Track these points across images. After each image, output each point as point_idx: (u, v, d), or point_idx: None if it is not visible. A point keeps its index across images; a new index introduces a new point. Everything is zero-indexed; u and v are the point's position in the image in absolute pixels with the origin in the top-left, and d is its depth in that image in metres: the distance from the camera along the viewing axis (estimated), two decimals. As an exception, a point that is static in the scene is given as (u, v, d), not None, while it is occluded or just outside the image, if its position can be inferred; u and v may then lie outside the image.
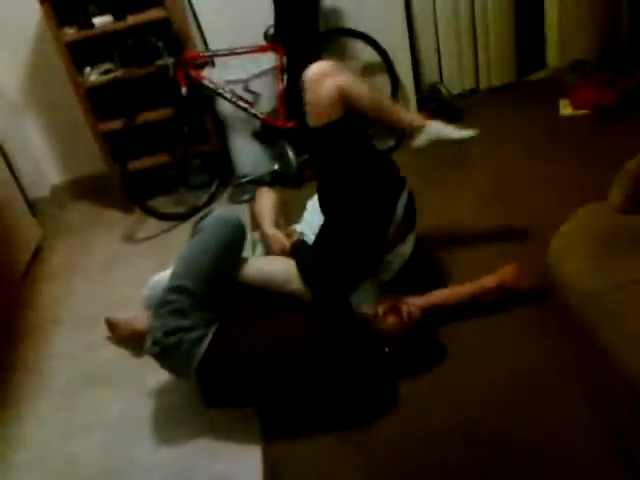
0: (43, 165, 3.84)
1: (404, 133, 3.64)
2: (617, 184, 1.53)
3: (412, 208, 2.34)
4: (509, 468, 1.68)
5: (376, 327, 2.02)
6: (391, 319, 2.00)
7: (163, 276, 2.18)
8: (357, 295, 2.11)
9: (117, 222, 3.54)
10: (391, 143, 3.60)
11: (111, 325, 2.55)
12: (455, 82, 3.95)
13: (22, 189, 3.52)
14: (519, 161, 3.23)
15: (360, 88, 2.22)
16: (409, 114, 2.51)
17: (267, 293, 2.11)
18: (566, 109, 3.57)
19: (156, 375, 2.28)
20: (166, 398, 2.26)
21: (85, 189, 3.87)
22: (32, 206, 3.57)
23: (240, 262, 2.11)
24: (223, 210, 2.20)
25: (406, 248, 2.35)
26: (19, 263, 3.12)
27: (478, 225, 2.82)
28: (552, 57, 3.96)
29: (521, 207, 2.85)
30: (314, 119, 2.23)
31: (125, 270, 3.09)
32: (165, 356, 1.98)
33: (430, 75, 3.94)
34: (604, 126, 3.35)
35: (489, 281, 2.20)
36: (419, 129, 2.33)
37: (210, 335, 1.96)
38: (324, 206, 2.32)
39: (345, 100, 2.17)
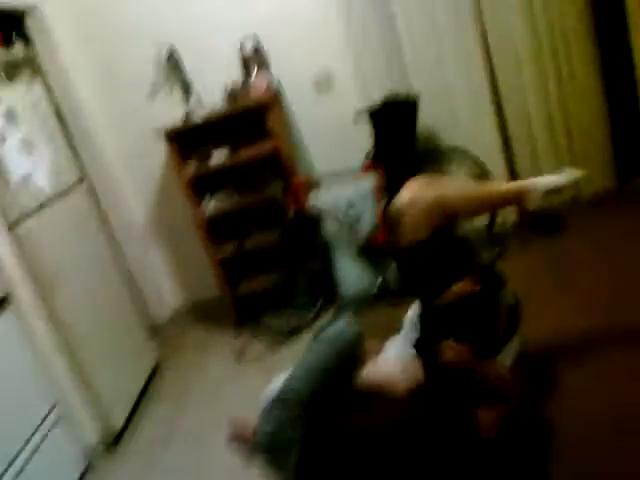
0: (165, 290, 4.11)
1: (505, 246, 3.66)
2: None
3: (516, 307, 2.31)
4: None
5: None
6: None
7: (277, 382, 2.24)
8: None
9: (229, 343, 3.66)
10: (494, 254, 3.59)
11: (233, 426, 2.59)
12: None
13: (145, 312, 3.76)
14: (627, 270, 3.08)
15: (455, 195, 2.23)
16: (508, 185, 2.50)
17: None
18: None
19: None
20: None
21: (201, 311, 4.09)
22: (154, 328, 3.77)
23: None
24: (343, 323, 2.26)
25: (512, 348, 2.29)
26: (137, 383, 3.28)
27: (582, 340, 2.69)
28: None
29: (630, 320, 2.71)
30: (408, 237, 2.24)
31: (235, 388, 3.15)
32: (269, 451, 2.02)
33: (530, 186, 3.95)
34: None
35: None
36: (527, 192, 2.30)
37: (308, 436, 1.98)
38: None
39: (443, 210, 2.19)
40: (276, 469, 2.11)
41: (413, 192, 2.22)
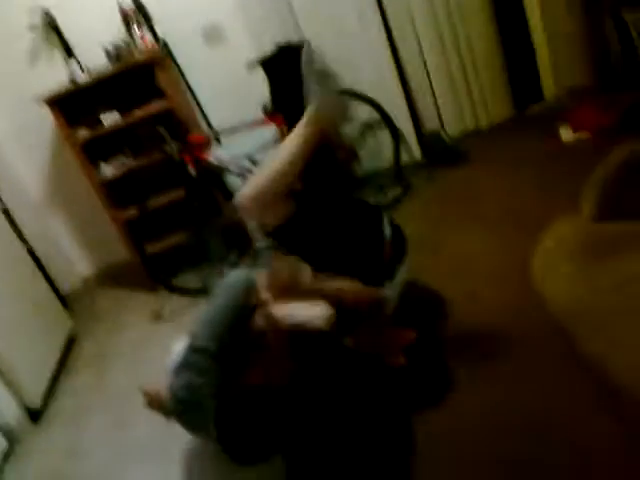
0: (72, 259, 4.04)
1: (410, 183, 3.76)
2: (586, 195, 1.55)
3: (399, 235, 2.40)
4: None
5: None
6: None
7: (183, 344, 2.28)
8: None
9: (145, 304, 3.66)
10: (399, 192, 3.69)
11: (146, 394, 2.63)
12: (456, 125, 4.04)
13: (54, 285, 3.70)
14: (526, 192, 3.25)
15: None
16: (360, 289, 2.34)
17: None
18: (567, 134, 3.60)
19: (184, 446, 2.35)
20: (196, 467, 2.30)
21: (113, 276, 4.05)
22: (64, 299, 3.73)
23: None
24: (235, 273, 2.31)
25: (400, 278, 2.40)
26: (52, 355, 3.25)
27: (492, 257, 2.84)
28: (547, 87, 4.02)
29: (531, 235, 2.86)
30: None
31: (155, 349, 3.17)
32: (185, 413, 2.05)
33: (430, 122, 4.03)
34: (606, 147, 3.35)
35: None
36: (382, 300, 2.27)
37: (222, 387, 2.03)
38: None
39: None
40: (195, 429, 2.18)
41: None
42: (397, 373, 2.04)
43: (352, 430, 1.99)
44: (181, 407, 2.06)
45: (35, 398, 2.96)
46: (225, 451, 2.10)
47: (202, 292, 3.48)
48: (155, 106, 3.40)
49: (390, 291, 2.36)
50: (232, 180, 3.59)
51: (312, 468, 2.05)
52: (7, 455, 2.75)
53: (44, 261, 3.74)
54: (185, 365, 2.10)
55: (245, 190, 2.32)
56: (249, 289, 2.23)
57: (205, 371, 2.07)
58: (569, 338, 1.44)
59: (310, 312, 2.20)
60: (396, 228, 2.42)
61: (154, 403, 2.48)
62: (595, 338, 1.32)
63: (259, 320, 2.24)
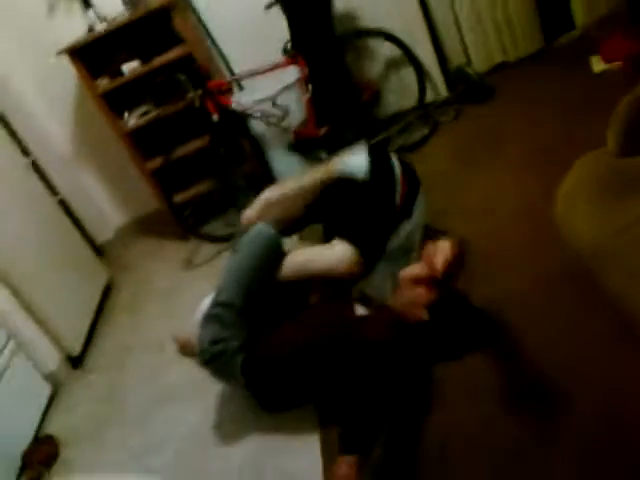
0: (104, 209, 4.11)
1: (437, 122, 3.69)
2: (611, 128, 1.51)
3: (409, 170, 2.39)
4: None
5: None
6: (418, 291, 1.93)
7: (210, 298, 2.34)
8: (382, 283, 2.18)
9: (177, 252, 3.73)
10: (425, 131, 3.63)
11: (177, 342, 2.72)
12: (482, 59, 3.91)
13: (87, 235, 3.78)
14: (556, 127, 3.16)
15: None
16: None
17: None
18: (599, 65, 3.47)
19: (218, 388, 2.43)
20: (229, 408, 2.39)
21: (145, 226, 4.13)
22: (99, 249, 3.82)
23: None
24: (259, 225, 2.32)
25: (418, 217, 2.39)
26: (90, 304, 3.36)
27: (517, 196, 2.80)
28: (578, 17, 3.86)
29: (559, 173, 2.80)
30: None
31: (187, 295, 3.25)
32: (213, 363, 2.13)
33: (456, 58, 3.91)
34: (638, 76, 3.23)
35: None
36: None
37: (249, 341, 2.09)
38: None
39: None
40: (224, 378, 2.25)
41: None
42: (421, 328, 2.00)
43: (380, 381, 2.01)
44: (208, 357, 2.13)
45: (75, 345, 3.08)
46: (254, 397, 2.18)
47: (230, 239, 3.53)
48: (174, 52, 3.37)
49: (410, 227, 2.36)
50: (256, 125, 3.57)
51: (344, 415, 2.09)
52: (51, 399, 2.89)
53: (77, 212, 3.83)
54: (210, 318, 2.16)
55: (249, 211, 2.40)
56: (275, 241, 2.26)
57: (230, 325, 2.12)
58: (590, 274, 1.43)
59: (330, 256, 2.22)
60: (406, 165, 2.40)
61: (186, 350, 2.58)
62: (614, 272, 1.32)
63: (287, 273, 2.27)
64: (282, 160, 3.68)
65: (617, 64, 3.38)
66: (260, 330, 2.17)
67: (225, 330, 2.12)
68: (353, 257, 2.15)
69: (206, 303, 2.35)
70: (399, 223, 2.32)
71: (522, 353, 2.00)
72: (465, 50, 3.91)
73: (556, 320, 2.04)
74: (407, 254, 2.32)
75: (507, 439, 1.73)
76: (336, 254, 2.18)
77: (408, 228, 2.35)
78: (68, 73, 3.42)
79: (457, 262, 1.87)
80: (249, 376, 2.09)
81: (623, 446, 1.50)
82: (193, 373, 2.60)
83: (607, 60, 3.43)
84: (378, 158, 2.35)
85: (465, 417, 1.88)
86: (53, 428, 2.73)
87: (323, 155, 3.51)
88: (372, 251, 2.22)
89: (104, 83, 3.39)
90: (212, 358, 2.11)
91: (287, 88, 3.50)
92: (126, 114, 3.52)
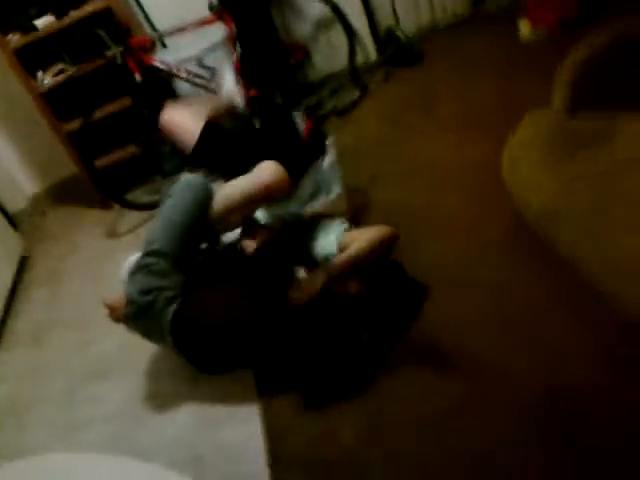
0: (18, 177, 3.84)
1: (367, 85, 3.64)
2: (557, 88, 1.50)
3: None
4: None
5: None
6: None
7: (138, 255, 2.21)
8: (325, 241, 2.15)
9: (99, 220, 3.54)
10: (356, 95, 3.58)
11: (107, 304, 2.59)
12: (412, 23, 3.88)
13: (0, 205, 3.53)
14: (485, 90, 3.18)
15: None
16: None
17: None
18: (526, 29, 3.51)
19: (150, 361, 2.34)
20: (163, 381, 2.29)
21: (63, 194, 3.88)
22: (12, 219, 3.57)
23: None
24: (187, 174, 2.23)
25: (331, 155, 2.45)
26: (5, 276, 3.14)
27: (450, 162, 2.80)
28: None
29: (492, 135, 2.81)
30: None
31: (112, 266, 3.06)
32: (140, 319, 2.01)
33: (385, 19, 3.85)
34: (566, 39, 3.28)
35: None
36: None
37: (180, 296, 1.99)
38: None
39: None
40: (151, 336, 2.12)
41: None
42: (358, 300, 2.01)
43: (316, 346, 1.98)
44: (136, 309, 2.01)
45: (-10, 321, 2.88)
46: (188, 360, 2.09)
47: (156, 206, 3.37)
48: (91, 6, 3.14)
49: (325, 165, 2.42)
50: (181, 86, 3.40)
51: (280, 379, 2.05)
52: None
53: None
54: (140, 268, 2.04)
55: None
56: (204, 185, 2.17)
57: (163, 274, 2.01)
58: (536, 232, 1.43)
59: (256, 174, 2.18)
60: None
61: (117, 313, 2.45)
62: (563, 232, 1.31)
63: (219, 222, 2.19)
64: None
65: (544, 28, 3.42)
66: (193, 284, 2.07)
67: (157, 279, 2.01)
68: (278, 168, 2.16)
69: (132, 260, 2.23)
70: (313, 158, 2.36)
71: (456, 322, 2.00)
72: (394, 13, 3.85)
73: (492, 285, 2.05)
74: (325, 192, 2.39)
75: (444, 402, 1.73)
76: (261, 170, 2.18)
77: (323, 165, 2.40)
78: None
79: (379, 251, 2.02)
80: (178, 335, 2.00)
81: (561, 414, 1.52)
82: (122, 346, 2.50)
83: (535, 24, 3.47)
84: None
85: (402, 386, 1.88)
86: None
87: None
88: (292, 165, 2.22)
89: (16, 39, 3.12)
90: (140, 311, 1.99)
91: (214, 47, 3.35)
92: (40, 73, 3.26)
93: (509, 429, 1.57)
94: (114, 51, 3.08)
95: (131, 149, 3.46)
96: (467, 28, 3.86)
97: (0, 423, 2.42)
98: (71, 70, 3.28)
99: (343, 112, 3.51)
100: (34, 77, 3.26)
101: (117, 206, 3.49)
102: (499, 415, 1.63)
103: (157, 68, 3.22)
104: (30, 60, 3.23)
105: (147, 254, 2.04)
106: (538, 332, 1.77)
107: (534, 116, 1.63)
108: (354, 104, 3.54)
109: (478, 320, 1.93)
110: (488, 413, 1.65)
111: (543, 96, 2.79)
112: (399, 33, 3.76)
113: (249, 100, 3.37)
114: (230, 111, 2.82)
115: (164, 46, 3.49)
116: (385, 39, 3.84)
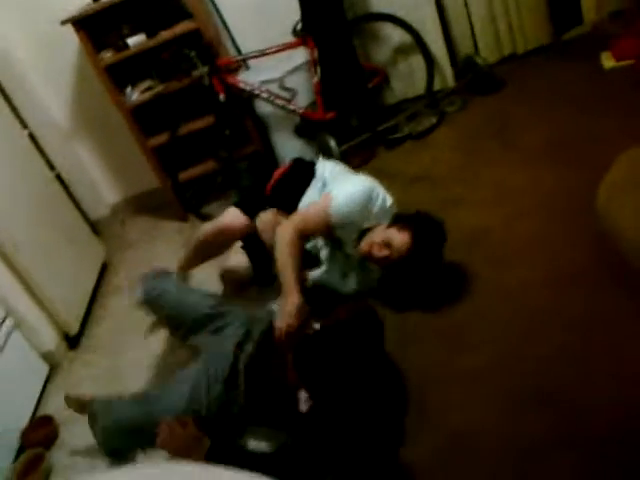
0: (100, 187, 4.01)
1: (444, 112, 3.65)
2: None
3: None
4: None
5: None
6: None
7: None
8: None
9: (175, 232, 3.66)
10: (433, 120, 3.59)
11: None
12: (491, 50, 3.87)
13: (83, 212, 3.69)
14: (566, 121, 3.14)
15: None
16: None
17: None
18: (609, 62, 3.46)
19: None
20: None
21: (142, 205, 4.03)
22: (94, 226, 3.73)
23: None
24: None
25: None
26: (87, 282, 3.28)
27: (528, 191, 2.78)
28: (588, 11, 3.83)
29: (573, 167, 2.79)
30: None
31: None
32: None
33: (465, 47, 3.87)
34: (652, 73, 3.23)
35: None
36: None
37: None
38: None
39: None
40: None
41: None
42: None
43: None
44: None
45: (73, 324, 3.00)
46: None
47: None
48: (181, 27, 3.28)
49: None
50: (262, 107, 3.50)
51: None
52: (48, 379, 2.82)
53: (72, 188, 3.73)
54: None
55: None
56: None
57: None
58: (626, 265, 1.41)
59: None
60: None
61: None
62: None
63: None
64: (286, 143, 3.62)
65: (628, 61, 3.36)
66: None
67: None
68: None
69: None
70: None
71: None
72: (474, 40, 3.86)
73: (573, 315, 2.03)
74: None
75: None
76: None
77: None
78: (71, 44, 3.32)
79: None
80: None
81: None
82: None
83: (618, 58, 3.41)
84: None
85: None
86: (51, 409, 2.65)
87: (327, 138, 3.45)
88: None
89: (108, 56, 3.29)
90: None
91: (295, 70, 3.44)
92: (129, 89, 3.42)
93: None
94: (201, 71, 3.21)
95: (210, 164, 3.58)
96: (548, 57, 3.82)
97: (77, 423, 2.39)
98: (159, 87, 3.42)
99: (419, 136, 3.54)
100: (123, 92, 3.42)
101: (193, 218, 3.61)
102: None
103: (241, 88, 3.33)
104: (120, 76, 3.39)
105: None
106: (619, 365, 1.75)
107: (630, 154, 1.62)
108: (431, 129, 3.56)
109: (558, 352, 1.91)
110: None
111: (626, 131, 2.78)
112: (478, 60, 3.76)
113: (326, 123, 3.45)
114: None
115: (247, 68, 3.60)
116: (463, 66, 3.84)
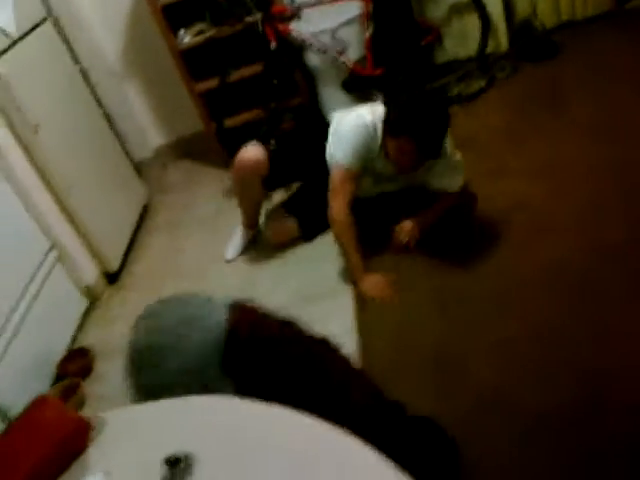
0: (145, 127, 4.04)
1: (494, 76, 3.57)
2: None
3: None
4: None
5: None
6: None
7: None
8: None
9: (216, 178, 3.67)
10: (482, 84, 3.53)
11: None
12: (550, 15, 3.76)
13: (127, 152, 3.73)
14: (620, 97, 3.06)
15: None
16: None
17: None
18: (674, 34, 3.34)
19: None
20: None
21: (185, 150, 4.06)
22: (137, 167, 3.77)
23: None
24: None
25: None
26: (129, 221, 3.34)
27: (574, 164, 2.73)
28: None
29: (620, 145, 2.73)
30: None
31: (226, 224, 3.22)
32: None
33: (522, 9, 3.75)
34: None
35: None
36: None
37: None
38: None
39: None
40: None
41: None
42: None
43: None
44: None
45: (113, 261, 3.07)
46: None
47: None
48: (238, -28, 3.23)
49: None
50: (312, 58, 3.46)
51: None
52: (87, 313, 2.90)
53: (118, 127, 3.75)
54: None
55: None
56: None
57: None
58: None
59: None
60: None
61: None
62: None
63: None
64: (333, 97, 3.59)
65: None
66: None
67: None
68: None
69: None
70: None
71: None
72: (532, 3, 3.75)
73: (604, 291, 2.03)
74: None
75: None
76: None
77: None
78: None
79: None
80: None
81: None
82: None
83: (684, 30, 3.29)
84: None
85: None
86: (88, 341, 2.74)
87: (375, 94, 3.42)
88: None
89: (163, -6, 3.26)
90: None
91: (348, 22, 3.38)
92: (181, 31, 3.40)
93: None
94: (255, 17, 3.17)
95: (256, 113, 3.57)
96: (608, 25, 3.70)
97: (113, 356, 2.51)
98: (211, 31, 3.40)
99: (468, 99, 3.48)
100: (175, 35, 3.41)
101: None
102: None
103: (292, 38, 3.30)
104: (174, 18, 3.37)
105: None
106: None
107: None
108: (479, 93, 3.50)
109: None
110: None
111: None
112: (536, 23, 3.66)
113: (374, 79, 3.40)
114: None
115: (300, 18, 3.54)
116: (520, 30, 3.75)
